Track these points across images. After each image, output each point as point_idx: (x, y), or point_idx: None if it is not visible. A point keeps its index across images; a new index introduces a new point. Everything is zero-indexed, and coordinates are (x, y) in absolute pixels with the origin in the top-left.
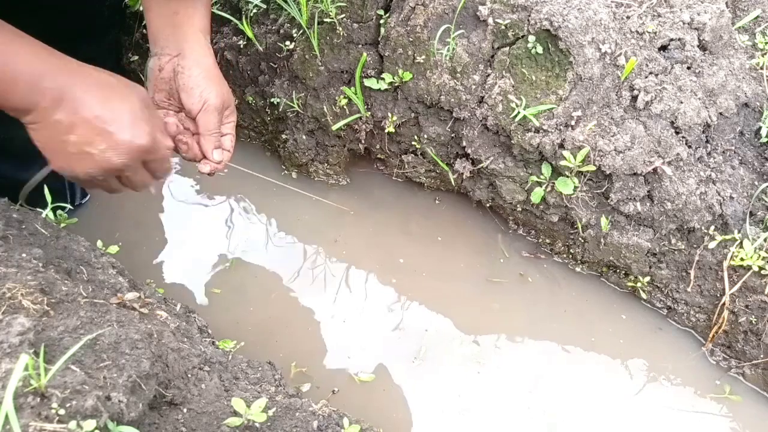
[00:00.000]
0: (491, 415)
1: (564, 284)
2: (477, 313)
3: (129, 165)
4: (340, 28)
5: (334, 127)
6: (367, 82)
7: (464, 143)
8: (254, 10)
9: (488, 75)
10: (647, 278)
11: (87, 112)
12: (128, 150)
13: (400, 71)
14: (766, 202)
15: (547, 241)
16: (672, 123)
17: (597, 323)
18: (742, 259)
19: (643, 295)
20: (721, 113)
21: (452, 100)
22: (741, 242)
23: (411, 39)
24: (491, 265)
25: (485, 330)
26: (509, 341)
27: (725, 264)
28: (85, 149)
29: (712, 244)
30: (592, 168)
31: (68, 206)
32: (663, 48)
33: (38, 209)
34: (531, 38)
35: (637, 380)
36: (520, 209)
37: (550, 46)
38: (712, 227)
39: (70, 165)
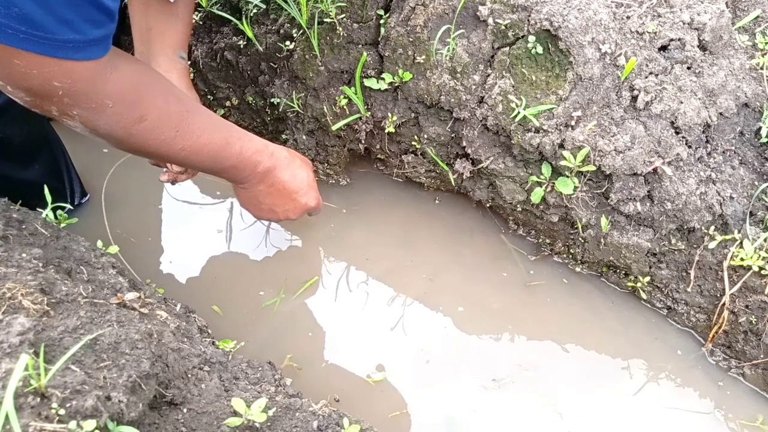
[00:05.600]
0: (489, 411)
1: (565, 284)
2: (476, 312)
3: (298, 217)
4: (340, 28)
5: (334, 127)
6: (367, 82)
7: (464, 143)
8: (254, 10)
9: (488, 75)
10: (647, 278)
11: (280, 186)
12: (303, 209)
13: (400, 71)
14: (766, 202)
15: (547, 241)
16: (672, 123)
17: (596, 323)
18: (742, 259)
19: (643, 295)
20: (721, 113)
21: (452, 100)
22: (741, 242)
23: (411, 39)
24: (495, 265)
25: (485, 330)
26: (508, 341)
27: (725, 264)
28: (274, 209)
29: (712, 244)
30: (592, 168)
31: (68, 206)
32: (663, 48)
33: (38, 209)
34: (531, 38)
35: (637, 380)
36: (520, 209)
37: (550, 46)
38: (712, 227)
39: (259, 215)
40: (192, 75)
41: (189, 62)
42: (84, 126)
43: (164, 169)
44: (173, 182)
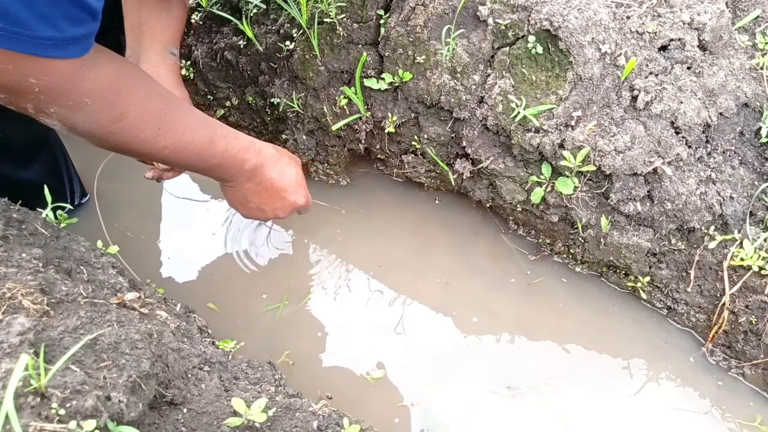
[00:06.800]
0: (491, 411)
1: (564, 284)
2: (478, 313)
3: (287, 216)
4: (340, 28)
5: (334, 127)
6: (367, 82)
7: (464, 143)
8: (254, 10)
9: (488, 75)
10: (647, 278)
11: (268, 184)
12: (291, 208)
13: (400, 71)
14: (766, 202)
15: (547, 241)
16: (672, 123)
17: (596, 323)
18: (742, 259)
19: (643, 295)
20: (721, 113)
21: (452, 100)
22: (741, 242)
23: (411, 39)
24: (497, 266)
25: (484, 329)
26: (509, 342)
27: (725, 264)
28: (262, 207)
29: (712, 244)
30: (592, 168)
31: (68, 206)
32: (663, 48)
33: (38, 209)
34: (531, 38)
35: (637, 380)
36: (520, 209)
37: (550, 46)
38: (712, 227)
39: (247, 213)
40: (192, 75)
41: (189, 62)
42: (62, 124)
43: (149, 166)
44: (158, 179)
